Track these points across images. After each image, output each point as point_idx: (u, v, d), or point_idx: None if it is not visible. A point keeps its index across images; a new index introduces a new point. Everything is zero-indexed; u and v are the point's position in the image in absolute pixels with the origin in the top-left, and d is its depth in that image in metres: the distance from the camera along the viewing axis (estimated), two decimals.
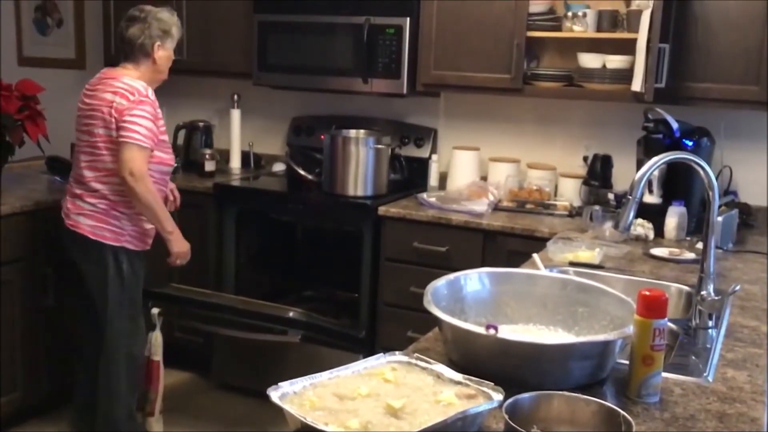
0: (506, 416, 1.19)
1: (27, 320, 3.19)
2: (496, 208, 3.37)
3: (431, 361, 1.48)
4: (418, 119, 3.89)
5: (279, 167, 4.12)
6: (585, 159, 3.53)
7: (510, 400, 1.27)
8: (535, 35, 3.35)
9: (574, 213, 3.33)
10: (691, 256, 2.66)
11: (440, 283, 1.78)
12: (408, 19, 3.44)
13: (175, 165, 3.12)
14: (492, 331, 1.48)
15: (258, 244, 3.84)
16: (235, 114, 4.06)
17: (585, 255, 2.54)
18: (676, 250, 2.71)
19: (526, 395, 1.28)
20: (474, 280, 1.83)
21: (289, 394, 1.34)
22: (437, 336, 1.80)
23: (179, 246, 2.94)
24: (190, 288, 3.37)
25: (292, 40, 3.67)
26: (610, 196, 3.27)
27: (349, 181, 3.47)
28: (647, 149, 3.08)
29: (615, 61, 3.27)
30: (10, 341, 3.13)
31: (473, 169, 3.66)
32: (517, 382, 1.43)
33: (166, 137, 2.95)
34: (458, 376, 1.41)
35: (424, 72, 3.50)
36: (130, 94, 2.77)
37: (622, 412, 1.22)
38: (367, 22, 3.48)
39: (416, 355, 1.50)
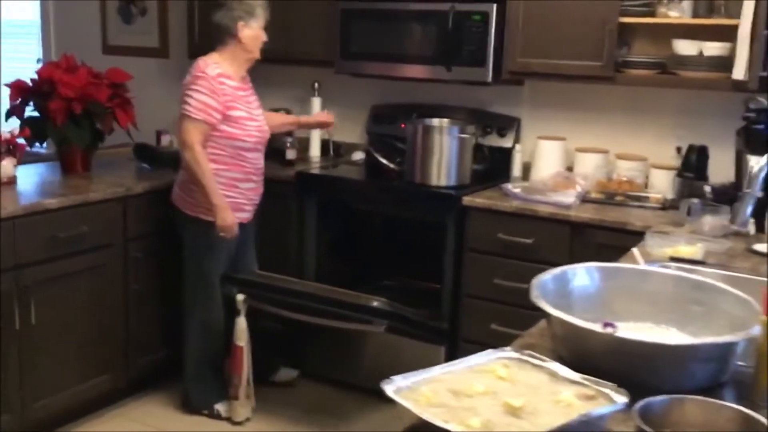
0: (640, 420, 1.13)
1: (119, 303, 3.23)
2: (584, 199, 3.28)
3: (544, 358, 1.43)
4: (500, 108, 3.82)
5: (358, 156, 4.09)
6: (678, 150, 3.41)
7: (642, 403, 1.21)
8: (628, 21, 3.24)
9: (667, 206, 3.21)
10: None
11: (546, 277, 1.73)
12: (495, 5, 3.37)
13: (257, 141, 3.18)
14: (610, 329, 1.42)
15: (338, 233, 3.82)
16: (316, 102, 4.05)
17: (686, 250, 2.43)
18: None
19: (657, 398, 1.22)
20: (582, 274, 1.77)
21: (403, 389, 1.30)
22: (542, 331, 1.75)
23: (222, 219, 3.02)
24: (275, 275, 3.39)
25: (375, 28, 3.64)
26: (707, 188, 3.13)
27: (432, 171, 3.42)
28: (748, 140, 2.95)
29: (712, 48, 3.14)
30: (111, 323, 3.19)
31: (558, 159, 3.58)
32: (634, 383, 1.36)
33: (244, 112, 3.08)
34: (575, 375, 1.35)
35: (511, 59, 3.42)
36: (193, 69, 3.05)
37: (765, 420, 1.15)
38: (452, 9, 3.42)
39: (528, 352, 1.45)
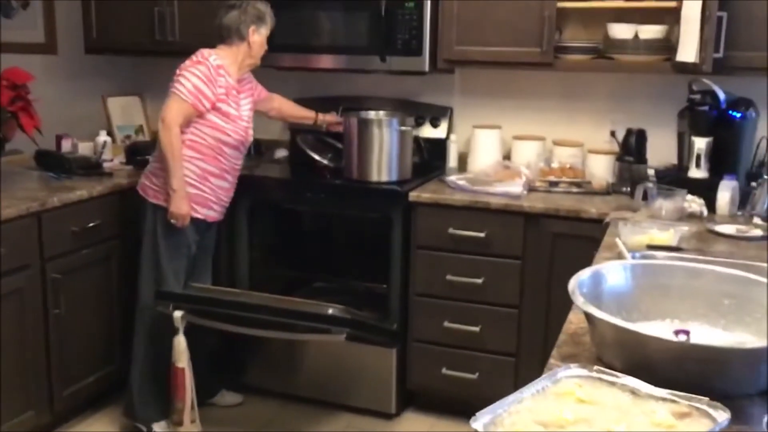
0: None
1: (37, 329, 2.89)
2: (530, 189, 3.22)
3: (615, 373, 1.32)
4: (431, 98, 3.71)
5: (281, 153, 3.88)
6: (612, 134, 3.41)
7: None
8: (565, 6, 3.19)
9: (610, 191, 3.20)
10: (758, 232, 2.57)
11: (584, 276, 1.63)
12: None
13: (240, 139, 3.09)
14: (683, 337, 1.33)
15: (270, 236, 3.61)
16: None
17: (661, 237, 2.41)
18: (742, 227, 2.61)
19: None
20: (617, 272, 1.67)
21: (489, 423, 1.15)
22: (575, 337, 1.64)
23: (176, 206, 2.92)
24: (214, 287, 3.15)
25: (298, 17, 3.43)
26: (650, 171, 3.15)
27: (371, 166, 3.26)
28: (693, 122, 2.98)
29: (649, 32, 3.15)
30: (32, 353, 2.86)
31: (495, 148, 3.51)
32: (701, 389, 1.28)
33: (233, 110, 3.02)
34: (659, 391, 1.25)
35: (446, 48, 3.31)
36: (195, 56, 2.99)
37: None
38: None
39: (597, 368, 1.33)
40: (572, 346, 1.60)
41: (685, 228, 2.48)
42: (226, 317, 2.92)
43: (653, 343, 1.38)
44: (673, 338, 1.35)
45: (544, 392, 1.27)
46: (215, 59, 2.98)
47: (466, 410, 3.23)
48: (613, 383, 1.30)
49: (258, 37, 3.06)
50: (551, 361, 1.52)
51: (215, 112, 2.97)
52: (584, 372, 1.33)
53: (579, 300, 1.50)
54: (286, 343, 3.26)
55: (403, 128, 3.26)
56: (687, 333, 1.34)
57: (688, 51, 2.77)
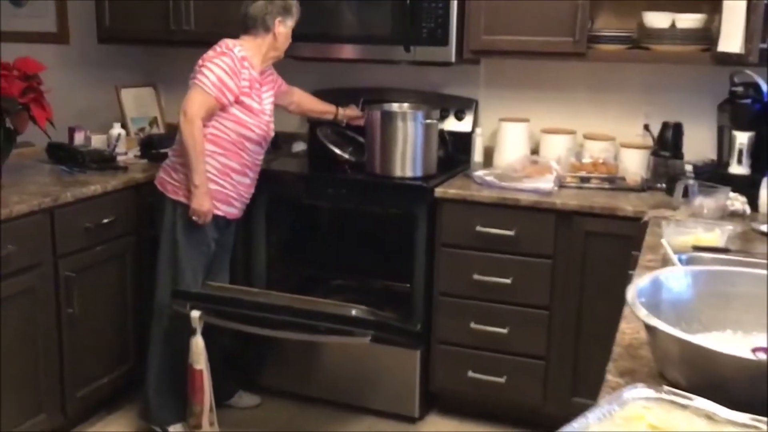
0: None
1: (50, 329, 2.79)
2: (561, 185, 3.08)
3: (688, 395, 1.19)
4: (455, 89, 3.57)
5: (300, 147, 3.76)
6: (646, 127, 3.27)
7: None
8: None
9: (645, 187, 3.07)
10: None
11: (643, 284, 1.49)
12: None
13: (263, 134, 2.99)
14: (762, 356, 1.20)
15: (289, 233, 3.49)
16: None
17: (707, 238, 2.27)
18: None
19: None
20: (678, 279, 1.54)
21: None
22: (630, 350, 1.51)
23: (198, 203, 2.82)
24: (231, 286, 3.04)
25: (319, 6, 3.29)
26: (688, 167, 3.01)
27: (396, 161, 3.14)
28: (735, 115, 2.84)
29: (687, 21, 3.01)
30: (44, 354, 2.76)
31: (523, 142, 3.37)
32: None
33: (256, 104, 2.91)
34: (739, 416, 1.12)
35: (474, 37, 3.18)
36: (218, 46, 2.87)
37: None
38: None
39: (667, 389, 1.21)
40: (629, 360, 1.47)
41: (730, 228, 2.34)
42: (245, 318, 2.81)
43: (728, 362, 1.25)
44: (752, 357, 1.22)
45: (611, 417, 1.14)
46: (240, 50, 2.87)
47: (492, 414, 3.15)
48: (685, 406, 1.17)
49: (284, 29, 2.95)
50: (609, 377, 1.40)
51: (238, 105, 2.86)
52: (652, 393, 1.20)
53: (641, 312, 1.37)
54: (304, 343, 3.14)
55: (429, 121, 3.13)
56: (766, 351, 1.21)
57: (731, 41, 2.63)
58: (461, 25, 3.16)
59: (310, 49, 3.35)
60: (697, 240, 2.27)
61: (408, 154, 3.12)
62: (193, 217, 2.83)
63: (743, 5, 2.55)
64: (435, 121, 3.16)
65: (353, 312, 2.72)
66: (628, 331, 1.61)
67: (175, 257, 2.91)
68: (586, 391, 2.98)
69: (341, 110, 3.40)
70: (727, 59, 2.74)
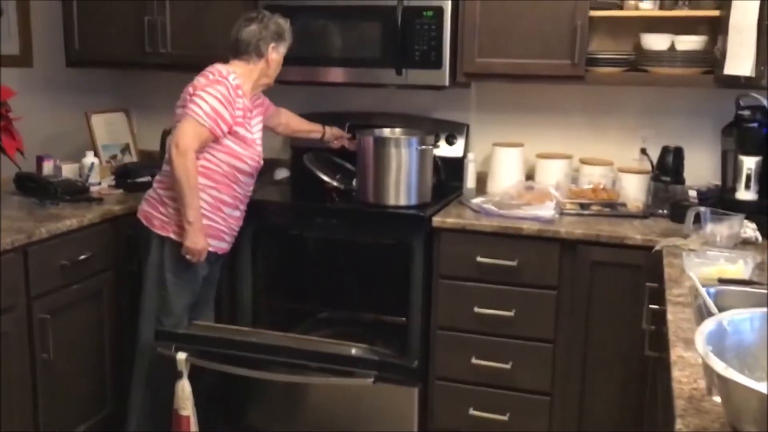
0: None
1: (24, 376, 2.57)
2: (561, 212, 2.98)
3: None
4: (445, 114, 3.46)
5: (282, 174, 3.60)
6: (643, 151, 3.19)
7: None
8: (593, 14, 2.96)
9: (648, 213, 2.97)
10: None
11: (708, 329, 1.37)
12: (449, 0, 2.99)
13: (255, 165, 2.86)
14: None
15: (276, 266, 3.32)
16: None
17: (732, 270, 2.18)
18: None
19: None
20: (742, 323, 1.42)
21: None
22: (694, 403, 1.38)
23: (192, 241, 2.65)
24: (219, 326, 2.86)
25: (307, 28, 3.15)
26: (692, 193, 2.93)
27: (389, 189, 3.00)
28: (741, 139, 2.76)
29: (687, 42, 2.94)
30: (18, 402, 2.54)
31: (518, 167, 3.27)
32: None
33: (249, 134, 2.78)
34: None
35: (468, 60, 3.06)
36: (210, 74, 2.70)
37: None
38: (400, 4, 3.00)
39: None
40: (697, 416, 1.34)
41: (752, 260, 2.25)
42: (236, 359, 2.65)
43: None
44: None
45: None
46: (234, 78, 2.71)
47: None
48: None
49: (276, 55, 2.81)
50: None
51: (231, 136, 2.70)
52: None
53: (719, 366, 1.24)
54: (312, 387, 2.96)
55: (424, 147, 3.00)
56: None
57: (740, 64, 2.55)
58: (455, 48, 3.05)
59: (297, 72, 3.19)
60: (721, 272, 2.18)
61: (402, 182, 2.99)
62: (187, 256, 2.66)
63: (753, 27, 2.47)
64: (430, 147, 3.03)
65: (353, 351, 2.57)
66: (683, 380, 1.49)
67: (161, 296, 2.74)
68: (592, 427, 2.87)
69: (328, 129, 3.26)
70: (734, 82, 2.67)
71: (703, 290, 1.99)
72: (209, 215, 2.71)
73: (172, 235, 2.68)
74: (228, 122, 2.66)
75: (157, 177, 2.81)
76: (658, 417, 1.88)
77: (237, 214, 2.83)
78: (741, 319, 1.44)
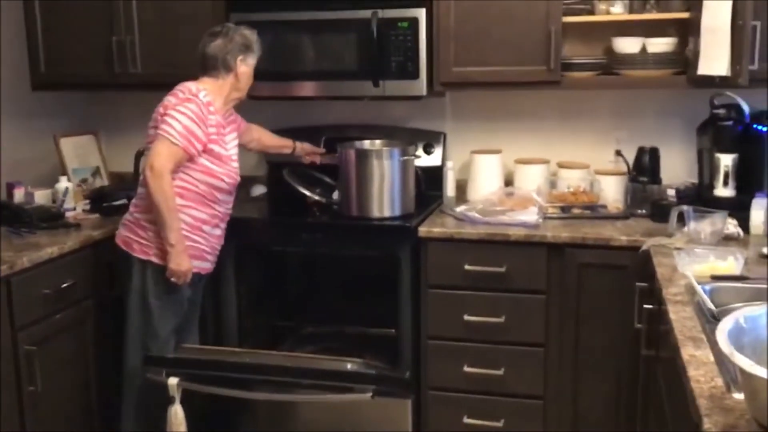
0: None
1: (11, 410, 2.50)
2: (544, 216, 3.00)
3: None
4: (421, 123, 3.47)
5: (259, 190, 3.57)
6: (618, 152, 3.24)
7: None
8: (565, 20, 3.00)
9: (628, 214, 3.02)
10: None
11: (727, 328, 1.39)
12: (423, 10, 3.01)
13: (233, 182, 2.82)
14: None
15: (260, 283, 3.29)
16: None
17: (724, 267, 2.22)
18: None
19: None
20: (759, 319, 1.45)
21: None
22: (715, 401, 1.40)
23: (176, 263, 2.62)
24: (209, 347, 2.82)
25: (280, 42, 3.14)
26: (670, 192, 2.98)
27: (373, 201, 2.99)
28: (717, 138, 2.83)
29: (658, 45, 3.00)
30: None
31: (497, 174, 3.29)
32: None
33: (224, 150, 2.73)
34: None
35: (444, 70, 3.08)
36: (181, 92, 2.66)
37: None
38: (374, 16, 3.01)
39: None
40: (722, 414, 1.36)
41: (741, 255, 2.29)
42: (230, 381, 2.60)
43: None
44: None
45: None
46: (205, 95, 2.67)
47: None
48: None
49: (246, 68, 2.78)
50: None
51: (206, 154, 2.66)
52: None
53: (745, 364, 1.26)
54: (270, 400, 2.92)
55: (406, 158, 3.01)
56: None
57: (714, 64, 2.61)
58: (430, 58, 3.06)
59: (273, 88, 3.18)
60: (713, 269, 2.23)
61: (386, 194, 2.99)
62: (172, 279, 2.62)
63: (727, 28, 2.53)
64: (412, 158, 3.03)
65: (349, 366, 2.55)
66: (701, 378, 1.51)
67: (146, 321, 2.69)
68: (586, 428, 2.89)
69: (298, 144, 3.25)
70: (708, 82, 2.73)
71: (699, 288, 2.03)
72: (190, 236, 2.67)
73: (154, 258, 2.64)
74: (202, 140, 2.62)
75: (134, 200, 2.76)
76: (668, 416, 1.90)
77: (218, 232, 2.80)
78: (757, 315, 1.47)
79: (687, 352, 1.64)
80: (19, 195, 3.23)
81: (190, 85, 2.69)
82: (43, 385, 2.59)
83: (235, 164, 2.81)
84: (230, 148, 2.80)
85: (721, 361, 1.57)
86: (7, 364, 2.48)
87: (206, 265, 2.78)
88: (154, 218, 2.61)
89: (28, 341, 2.54)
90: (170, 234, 2.57)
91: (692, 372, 1.54)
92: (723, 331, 1.38)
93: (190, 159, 2.63)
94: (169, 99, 2.66)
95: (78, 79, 3.43)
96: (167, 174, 2.55)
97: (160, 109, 2.65)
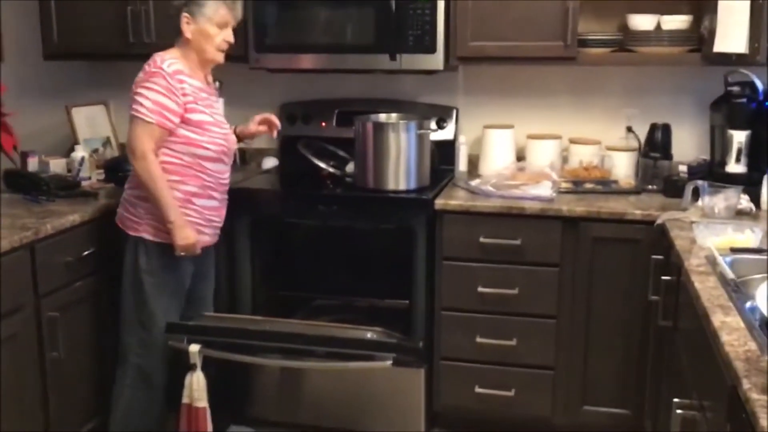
0: None
1: (34, 376, 2.52)
2: (558, 191, 3.04)
3: None
4: (433, 98, 3.49)
5: (271, 163, 3.59)
6: (629, 129, 3.28)
7: None
8: None
9: (640, 189, 3.06)
10: None
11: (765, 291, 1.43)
12: None
13: (221, 149, 2.67)
14: None
15: (274, 255, 3.31)
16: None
17: (742, 240, 2.27)
18: None
19: None
20: None
21: None
22: (752, 363, 1.45)
23: (181, 238, 2.56)
24: (230, 315, 2.84)
25: (296, 15, 3.15)
26: (682, 168, 3.03)
27: (389, 174, 3.02)
28: (731, 115, 2.87)
29: (673, 22, 3.03)
30: (30, 404, 2.48)
31: (509, 149, 3.32)
32: None
33: (206, 116, 2.61)
34: None
35: (461, 44, 3.10)
36: (147, 65, 2.57)
37: None
38: None
39: None
40: (760, 375, 1.41)
41: (759, 229, 2.35)
42: (250, 348, 2.63)
43: None
44: None
45: None
46: (170, 64, 2.54)
47: (500, 429, 3.06)
48: None
49: (195, 26, 2.57)
50: (753, 396, 1.32)
51: (185, 125, 2.56)
52: None
53: None
54: (296, 368, 2.96)
55: (422, 131, 3.03)
56: None
57: (731, 42, 2.65)
58: (447, 32, 3.08)
59: (288, 60, 3.19)
60: (731, 242, 2.28)
61: (401, 167, 3.01)
62: (182, 254, 2.58)
63: (746, 5, 2.57)
64: (428, 131, 3.06)
65: (368, 335, 2.59)
66: (735, 343, 1.56)
67: (142, 300, 2.64)
68: (596, 399, 2.96)
69: (238, 128, 2.93)
70: (723, 60, 2.76)
71: (721, 259, 2.08)
72: (181, 210, 2.58)
73: (144, 235, 2.60)
74: (176, 111, 2.53)
75: (129, 178, 2.70)
76: (690, 384, 1.96)
77: (213, 203, 2.69)
78: None
79: (718, 319, 1.69)
80: (32, 164, 3.24)
81: (157, 57, 2.58)
82: (65, 352, 2.61)
83: (220, 129, 2.67)
84: (214, 113, 2.69)
85: (752, 326, 1.62)
86: (30, 330, 2.50)
87: (204, 238, 2.70)
88: (144, 194, 2.57)
89: (51, 308, 2.56)
90: (168, 211, 2.52)
91: (725, 337, 1.59)
92: (762, 296, 1.42)
93: (170, 133, 2.55)
94: (139, 75, 2.58)
95: (91, 49, 3.42)
96: (149, 154, 2.49)
97: (133, 87, 2.57)
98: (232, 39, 2.65)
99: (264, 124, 2.90)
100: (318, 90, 3.57)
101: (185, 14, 2.56)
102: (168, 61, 2.55)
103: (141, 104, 2.50)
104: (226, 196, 2.79)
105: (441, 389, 3.08)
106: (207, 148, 2.61)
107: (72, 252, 2.66)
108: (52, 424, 2.61)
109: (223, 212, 2.79)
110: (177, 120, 2.54)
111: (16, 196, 2.97)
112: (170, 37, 3.24)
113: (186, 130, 2.57)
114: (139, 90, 2.52)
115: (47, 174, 3.11)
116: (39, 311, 2.53)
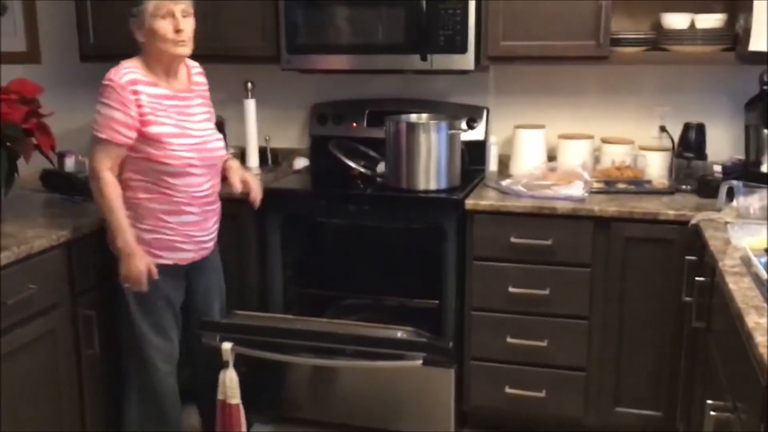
0: None
1: (71, 374, 2.57)
2: (590, 191, 3.03)
3: None
4: (463, 98, 3.49)
5: (302, 163, 3.61)
6: (663, 128, 3.25)
7: None
8: None
9: (674, 190, 3.03)
10: None
11: None
12: None
13: (185, 163, 2.48)
14: None
15: (305, 254, 3.33)
16: (250, 105, 3.49)
17: None
18: None
19: None
20: None
21: None
22: None
23: (126, 267, 2.44)
24: (260, 314, 2.87)
25: (327, 16, 3.17)
26: (716, 168, 3.00)
27: (420, 174, 3.03)
28: (766, 114, 2.83)
29: (707, 21, 3.00)
30: (67, 401, 2.53)
31: (540, 149, 3.31)
32: None
33: (166, 127, 2.45)
34: None
35: (492, 43, 3.09)
36: (103, 80, 2.44)
37: None
38: None
39: None
40: None
41: None
42: (282, 347, 2.66)
43: None
44: None
45: None
46: (125, 73, 2.41)
47: (531, 429, 3.06)
48: None
49: (143, 28, 2.46)
50: None
51: (143, 138, 2.41)
52: None
53: None
54: (324, 366, 2.98)
55: (453, 132, 3.03)
56: None
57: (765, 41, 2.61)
58: (478, 32, 3.08)
59: (317, 60, 3.21)
60: (767, 242, 2.24)
61: (432, 167, 3.02)
62: (124, 284, 2.47)
63: None
64: (459, 131, 3.06)
65: (399, 334, 2.60)
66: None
67: (129, 322, 2.58)
68: (628, 401, 2.94)
69: (226, 164, 2.78)
70: (758, 59, 2.73)
71: (755, 260, 2.06)
72: (153, 229, 2.49)
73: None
74: (129, 124, 2.38)
75: None
76: (724, 385, 1.94)
77: (190, 218, 2.53)
78: None
79: (752, 320, 1.67)
80: (69, 164, 3.30)
81: (112, 68, 2.46)
82: (100, 349, 2.65)
83: (186, 141, 2.47)
84: (187, 122, 2.52)
85: None
86: (67, 328, 2.54)
87: (185, 256, 2.56)
88: (131, 215, 2.48)
89: (86, 306, 2.61)
90: (118, 235, 2.41)
91: (759, 338, 1.57)
92: None
93: (130, 148, 2.42)
94: (98, 89, 2.44)
95: (127, 50, 3.44)
96: (104, 173, 2.39)
97: None
98: (181, 26, 2.46)
99: (244, 186, 2.75)
100: (348, 90, 3.59)
101: (132, 20, 2.48)
102: (123, 71, 2.43)
103: (95, 120, 2.40)
104: (211, 207, 2.62)
105: (471, 389, 3.07)
106: (167, 163, 2.44)
107: (107, 251, 2.69)
108: (87, 422, 2.65)
109: (209, 225, 2.63)
110: (131, 134, 2.40)
111: (54, 196, 3.03)
112: (201, 40, 3.33)
113: (144, 144, 2.42)
114: (96, 106, 2.42)
115: (84, 174, 3.15)
116: (75, 309, 2.57)
